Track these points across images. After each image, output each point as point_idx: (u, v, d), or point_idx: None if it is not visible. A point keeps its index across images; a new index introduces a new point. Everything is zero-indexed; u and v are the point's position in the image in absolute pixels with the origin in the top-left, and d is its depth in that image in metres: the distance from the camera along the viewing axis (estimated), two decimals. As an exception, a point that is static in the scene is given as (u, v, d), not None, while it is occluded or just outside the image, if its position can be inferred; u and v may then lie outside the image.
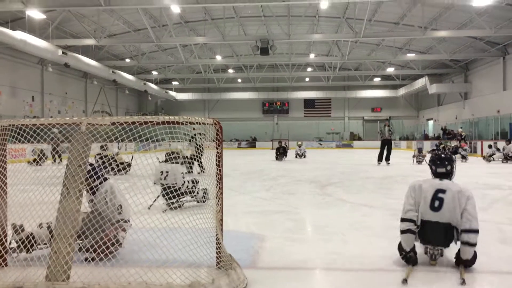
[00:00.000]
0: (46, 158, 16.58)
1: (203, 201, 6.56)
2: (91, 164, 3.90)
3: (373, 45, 31.50)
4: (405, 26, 25.65)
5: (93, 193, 3.94)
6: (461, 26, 23.80)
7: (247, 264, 3.52)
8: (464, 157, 19.30)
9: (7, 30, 19.63)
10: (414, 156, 17.93)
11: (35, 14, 19.42)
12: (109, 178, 4.08)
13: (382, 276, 3.41)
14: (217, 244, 3.31)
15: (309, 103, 45.20)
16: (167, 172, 6.40)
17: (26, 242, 3.46)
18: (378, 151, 17.41)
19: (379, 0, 20.74)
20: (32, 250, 3.51)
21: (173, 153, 7.14)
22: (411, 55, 30.04)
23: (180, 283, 2.79)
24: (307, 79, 41.42)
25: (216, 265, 3.27)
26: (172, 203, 6.27)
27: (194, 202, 6.65)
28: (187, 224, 3.30)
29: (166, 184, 6.27)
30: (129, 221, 3.97)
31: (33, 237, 3.56)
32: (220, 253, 3.28)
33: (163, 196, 6.12)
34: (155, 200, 6.03)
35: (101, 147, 12.57)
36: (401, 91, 41.16)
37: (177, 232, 3.43)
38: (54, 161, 16.60)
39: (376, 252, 4.04)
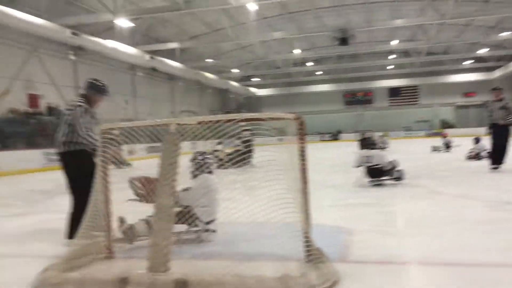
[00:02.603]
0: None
1: (399, 180, 7.86)
2: (198, 155, 4.30)
3: (461, 26, 29.42)
4: (497, 3, 23.60)
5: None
6: None
7: (336, 258, 3.48)
8: None
9: (100, 39, 21.28)
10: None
11: (123, 23, 20.79)
12: (212, 172, 4.29)
13: (483, 272, 3.19)
14: (304, 238, 3.31)
15: (394, 92, 43.46)
16: (370, 156, 7.88)
17: (128, 233, 3.76)
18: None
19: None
20: (134, 242, 3.80)
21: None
22: (505, 34, 27.53)
23: (271, 276, 2.84)
24: (390, 67, 39.80)
25: (305, 258, 3.28)
26: (375, 181, 7.87)
27: (392, 181, 7.91)
28: (273, 218, 3.34)
29: (372, 165, 7.78)
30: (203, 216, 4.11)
31: (134, 229, 3.85)
32: (308, 247, 3.28)
33: (369, 176, 7.85)
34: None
35: (218, 143, 13.74)
36: (497, 73, 37.95)
37: (265, 226, 3.50)
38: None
39: (476, 247, 3.79)
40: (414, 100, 43.43)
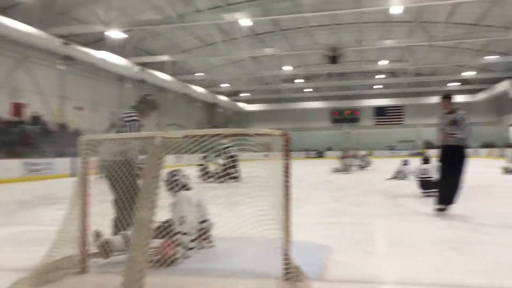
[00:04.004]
0: None
1: None
2: (173, 172, 4.25)
3: (449, 48, 29.97)
4: (485, 27, 24.16)
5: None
6: (550, 24, 21.98)
7: (315, 276, 3.45)
8: None
9: (89, 49, 21.19)
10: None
11: (115, 34, 20.73)
12: (191, 188, 4.22)
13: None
14: (284, 255, 3.28)
15: (379, 111, 43.95)
16: (426, 169, 8.61)
17: (103, 248, 3.68)
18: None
19: (456, 1, 19.58)
20: (109, 256, 3.71)
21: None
22: (492, 57, 28.11)
23: (248, 294, 2.80)
24: (378, 86, 40.29)
25: (283, 276, 3.24)
26: (428, 192, 8.20)
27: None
28: (255, 235, 3.31)
29: (426, 178, 8.39)
30: (188, 234, 3.96)
31: (110, 243, 3.77)
32: (287, 265, 3.25)
33: (421, 187, 8.52)
34: None
35: (204, 157, 13.88)
36: (480, 96, 38.61)
37: (247, 242, 3.46)
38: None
39: (457, 268, 3.78)
40: (399, 120, 43.96)
